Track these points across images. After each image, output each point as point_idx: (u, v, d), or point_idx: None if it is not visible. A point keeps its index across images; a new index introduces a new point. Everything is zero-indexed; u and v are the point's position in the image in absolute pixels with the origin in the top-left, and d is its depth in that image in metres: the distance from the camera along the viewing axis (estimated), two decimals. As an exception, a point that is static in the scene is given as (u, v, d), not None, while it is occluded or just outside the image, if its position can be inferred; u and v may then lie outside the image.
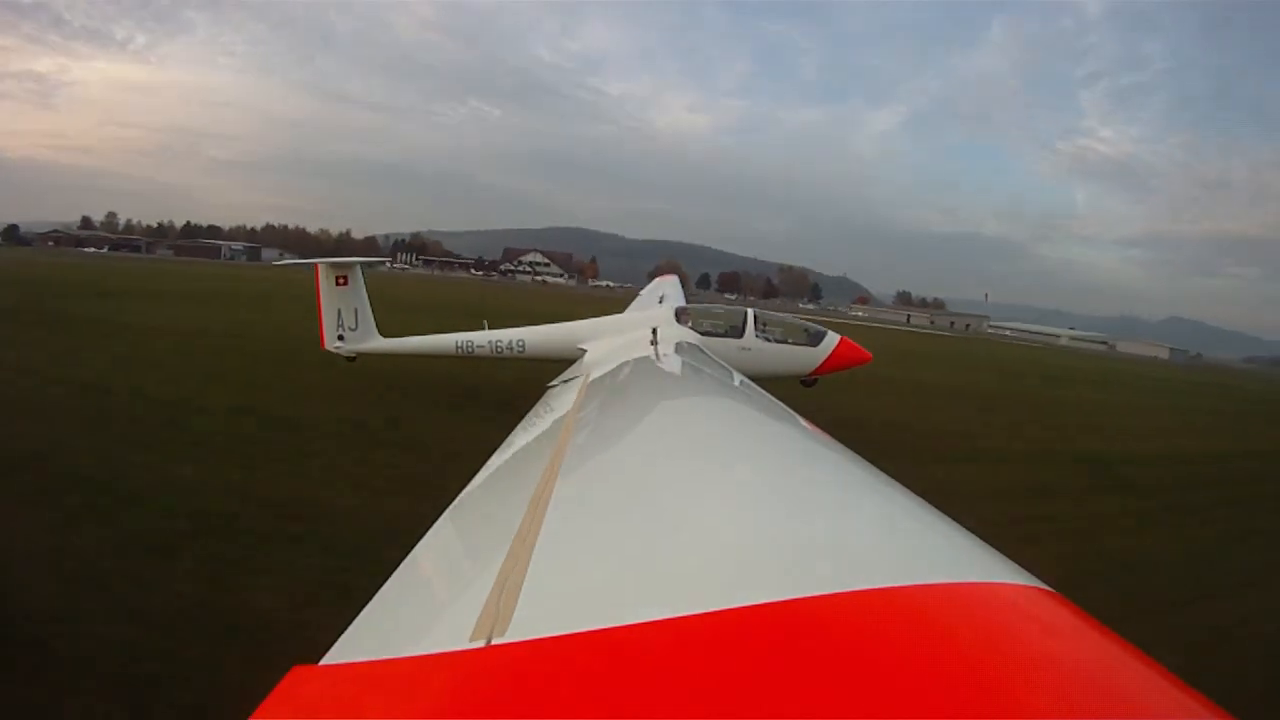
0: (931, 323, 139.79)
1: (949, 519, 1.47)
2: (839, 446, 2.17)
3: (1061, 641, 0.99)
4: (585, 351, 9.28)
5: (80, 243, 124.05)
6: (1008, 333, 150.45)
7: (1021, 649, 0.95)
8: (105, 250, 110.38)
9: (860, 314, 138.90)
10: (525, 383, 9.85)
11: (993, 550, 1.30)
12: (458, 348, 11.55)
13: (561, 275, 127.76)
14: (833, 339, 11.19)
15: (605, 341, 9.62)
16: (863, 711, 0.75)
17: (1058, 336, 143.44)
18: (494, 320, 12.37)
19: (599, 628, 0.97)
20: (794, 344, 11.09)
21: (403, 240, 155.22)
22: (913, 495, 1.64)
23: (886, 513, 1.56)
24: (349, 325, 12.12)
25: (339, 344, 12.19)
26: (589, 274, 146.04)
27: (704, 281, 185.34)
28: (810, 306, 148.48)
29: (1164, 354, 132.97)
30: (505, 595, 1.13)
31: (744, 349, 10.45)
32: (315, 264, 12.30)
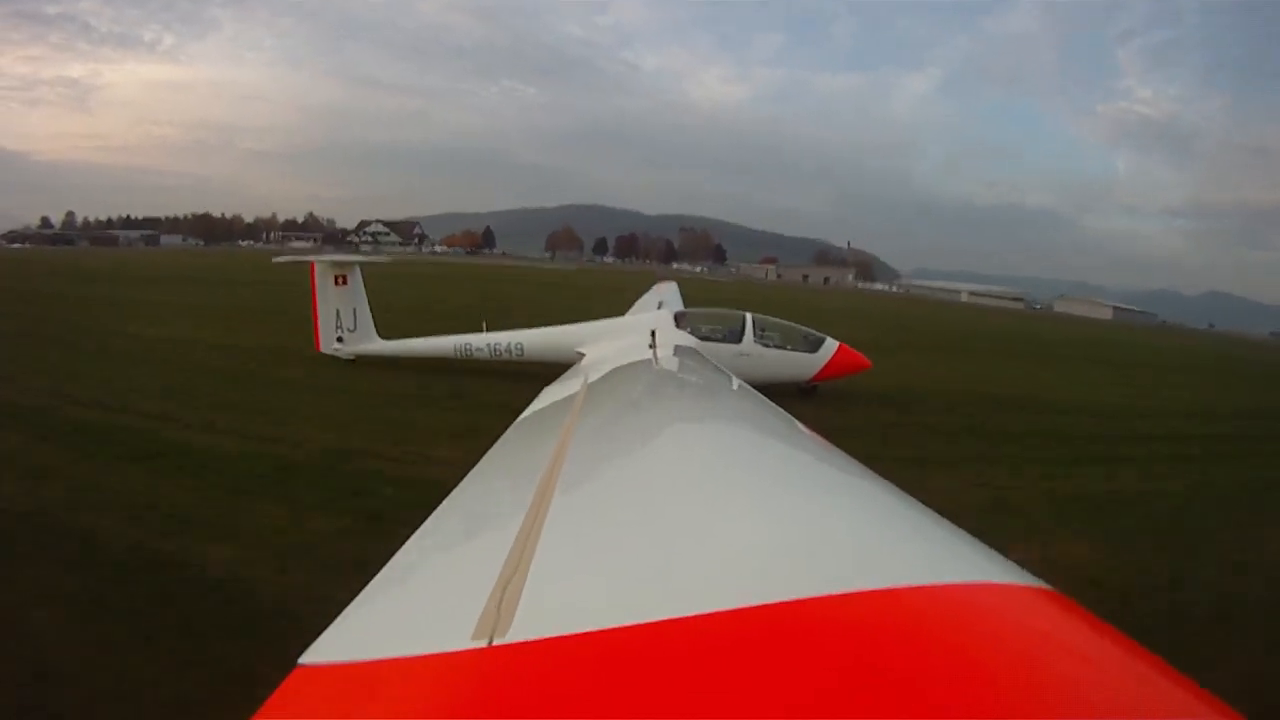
0: (779, 276, 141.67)
1: (947, 521, 1.49)
2: (837, 450, 2.21)
3: (1065, 641, 0.99)
4: (583, 355, 9.36)
5: (24, 239, 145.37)
6: (895, 289, 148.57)
7: (1024, 649, 0.95)
8: (27, 245, 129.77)
9: (698, 270, 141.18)
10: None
11: (993, 551, 1.31)
12: (456, 350, 11.72)
13: (399, 242, 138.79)
14: (831, 345, 11.23)
15: (603, 345, 9.62)
16: (864, 712, 0.76)
17: (958, 292, 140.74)
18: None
19: (602, 628, 0.98)
20: (792, 350, 11.14)
21: (295, 220, 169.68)
22: (910, 498, 1.67)
23: (885, 515, 1.57)
24: (348, 326, 11.96)
25: (338, 346, 12.02)
26: (462, 243, 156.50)
27: (600, 246, 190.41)
28: (686, 267, 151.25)
29: (1107, 314, 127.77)
30: (507, 595, 1.14)
31: (742, 354, 10.49)
32: (312, 262, 12.20)
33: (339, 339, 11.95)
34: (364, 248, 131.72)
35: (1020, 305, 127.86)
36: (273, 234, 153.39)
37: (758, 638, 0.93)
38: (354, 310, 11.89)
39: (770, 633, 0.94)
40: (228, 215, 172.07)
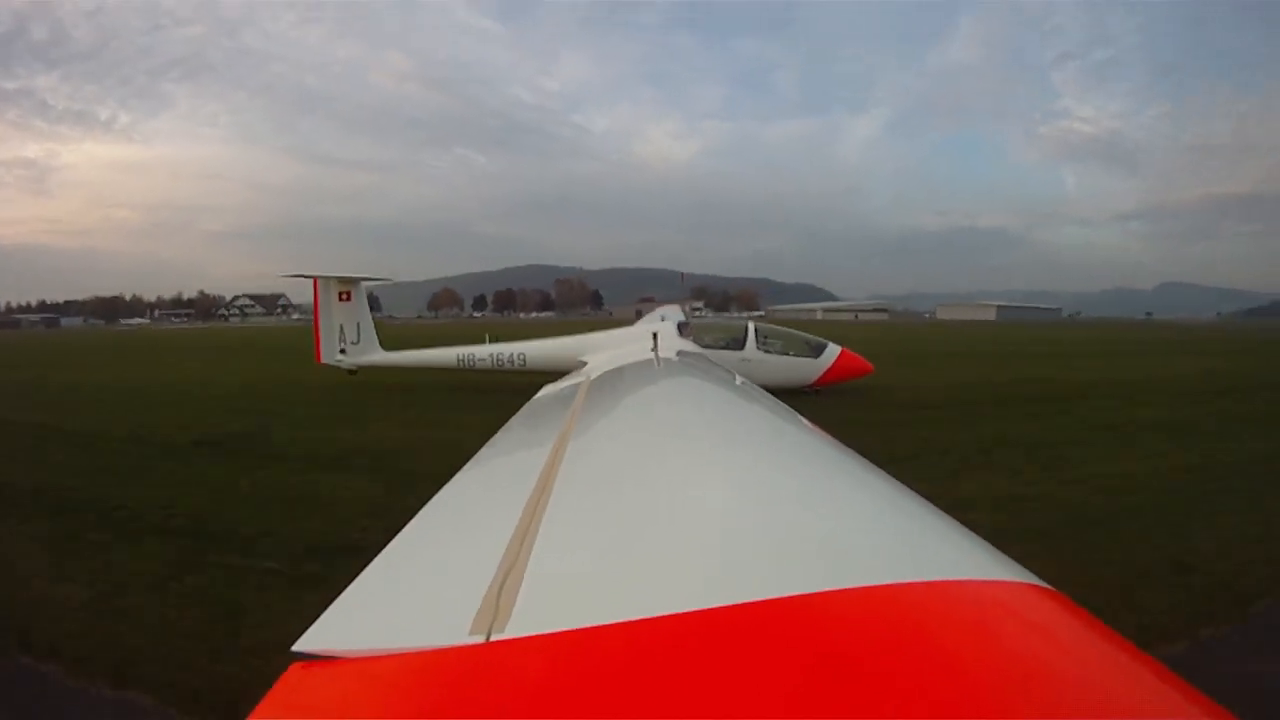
0: (610, 314, 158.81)
1: (949, 517, 1.49)
2: (840, 446, 2.22)
3: (1062, 640, 1.00)
4: (585, 363, 9.36)
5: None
6: (760, 313, 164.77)
7: (1020, 647, 0.96)
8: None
9: (550, 314, 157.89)
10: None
11: (993, 548, 1.31)
12: (459, 361, 12.04)
13: (264, 313, 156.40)
14: (833, 351, 11.57)
15: (606, 353, 9.66)
16: (862, 709, 0.76)
17: (814, 311, 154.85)
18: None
19: (602, 624, 0.98)
20: (795, 356, 11.41)
21: (190, 299, 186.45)
22: (913, 493, 1.68)
23: (887, 510, 1.58)
24: (350, 339, 12.62)
25: (340, 357, 12.61)
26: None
27: (480, 303, 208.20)
28: (547, 314, 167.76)
29: (990, 315, 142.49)
30: (506, 589, 1.15)
31: (745, 360, 10.85)
32: (315, 278, 12.75)
33: (342, 350, 12.56)
34: (232, 319, 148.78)
35: (885, 316, 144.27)
36: (159, 311, 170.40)
37: (757, 633, 0.94)
38: (357, 324, 12.54)
39: (770, 628, 0.95)
40: (146, 297, 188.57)
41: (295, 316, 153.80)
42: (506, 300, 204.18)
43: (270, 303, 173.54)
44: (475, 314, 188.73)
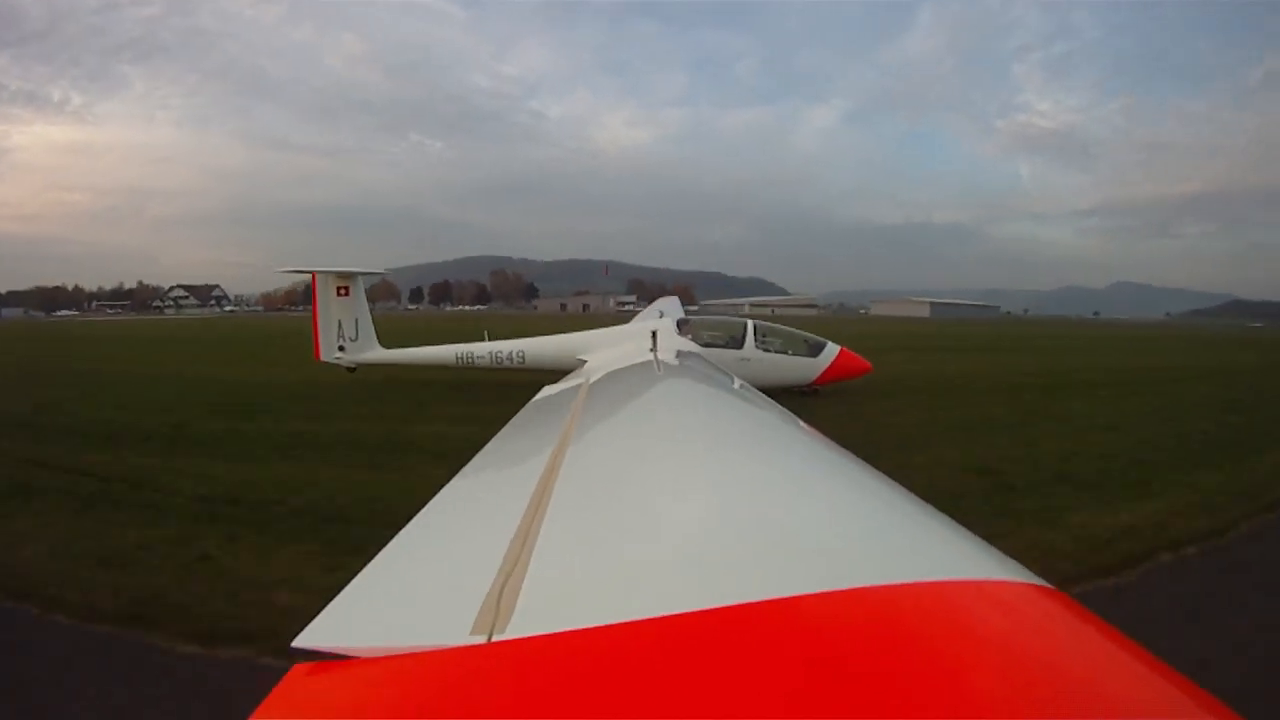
0: (535, 308, 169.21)
1: (948, 517, 1.49)
2: (838, 448, 2.23)
3: (1064, 640, 0.99)
4: (585, 362, 9.30)
5: None
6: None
7: (1023, 648, 0.96)
8: None
9: (482, 307, 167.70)
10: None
11: (994, 549, 1.31)
12: (458, 359, 12.02)
13: (198, 304, 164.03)
14: (832, 350, 11.73)
15: (605, 351, 9.74)
16: (862, 710, 0.76)
17: (741, 306, 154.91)
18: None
19: (602, 624, 0.98)
20: (793, 354, 11.51)
21: (130, 290, 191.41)
22: (911, 494, 1.69)
23: (885, 511, 1.58)
24: (349, 336, 12.42)
25: (339, 355, 12.45)
26: (271, 303, 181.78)
27: (416, 295, 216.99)
28: (479, 308, 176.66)
29: (924, 311, 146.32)
30: (507, 590, 1.15)
31: (744, 359, 10.88)
32: (313, 273, 12.68)
33: (340, 348, 12.57)
34: (167, 310, 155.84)
35: (814, 312, 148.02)
36: (94, 303, 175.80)
37: (757, 634, 0.94)
38: (356, 320, 12.61)
39: (770, 629, 0.95)
40: (90, 286, 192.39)
41: (228, 308, 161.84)
42: (443, 292, 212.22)
43: (204, 294, 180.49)
44: (410, 306, 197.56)
